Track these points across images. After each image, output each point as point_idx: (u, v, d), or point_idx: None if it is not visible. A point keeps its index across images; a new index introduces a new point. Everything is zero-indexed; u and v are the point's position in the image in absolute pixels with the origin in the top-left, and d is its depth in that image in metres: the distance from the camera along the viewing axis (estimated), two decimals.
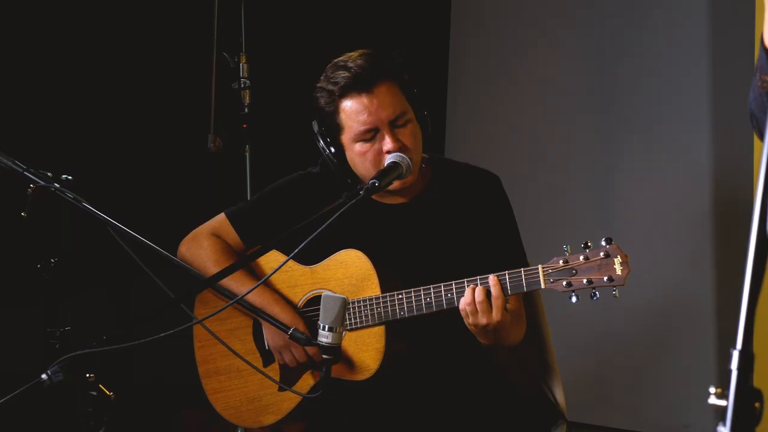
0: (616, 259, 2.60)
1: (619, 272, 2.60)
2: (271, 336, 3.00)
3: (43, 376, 2.36)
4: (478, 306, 2.70)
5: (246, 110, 4.45)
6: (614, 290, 2.61)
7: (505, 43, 5.29)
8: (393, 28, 5.31)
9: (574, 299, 2.63)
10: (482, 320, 2.71)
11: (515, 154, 5.19)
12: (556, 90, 5.13)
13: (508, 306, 2.75)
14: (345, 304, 2.58)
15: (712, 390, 1.40)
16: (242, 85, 4.43)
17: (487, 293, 2.70)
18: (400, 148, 2.86)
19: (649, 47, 4.80)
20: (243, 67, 4.43)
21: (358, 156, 2.90)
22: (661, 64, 4.76)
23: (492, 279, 2.70)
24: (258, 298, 2.96)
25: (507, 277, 2.69)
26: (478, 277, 2.73)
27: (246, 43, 4.46)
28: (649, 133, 4.82)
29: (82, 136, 4.73)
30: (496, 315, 2.70)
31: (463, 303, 2.72)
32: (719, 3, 4.58)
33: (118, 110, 4.90)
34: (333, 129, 2.93)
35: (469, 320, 2.73)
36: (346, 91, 2.87)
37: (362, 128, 2.87)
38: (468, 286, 2.73)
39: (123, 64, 4.89)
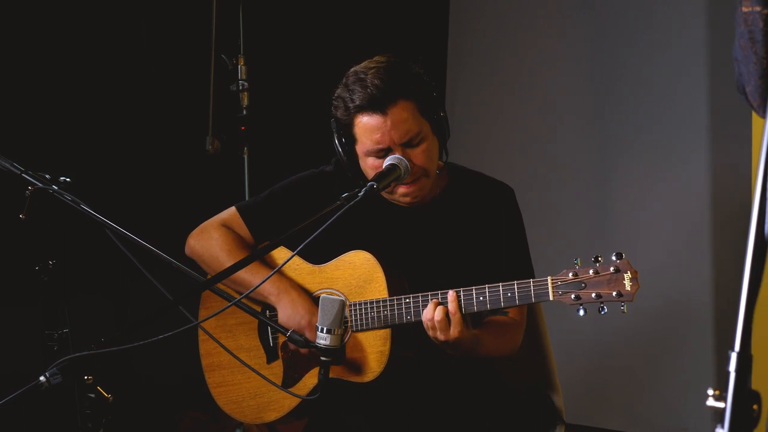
0: (626, 275, 2.61)
1: (628, 288, 2.60)
2: (286, 319, 2.99)
3: (42, 378, 2.36)
4: (436, 324, 2.73)
5: (244, 112, 4.45)
6: (623, 305, 2.61)
7: (503, 45, 5.29)
8: (391, 30, 5.30)
9: (581, 312, 2.64)
10: (441, 336, 2.75)
11: (513, 157, 5.19)
12: (554, 92, 5.13)
13: (507, 314, 2.77)
14: (343, 306, 2.59)
15: (710, 392, 1.41)
16: (240, 87, 4.43)
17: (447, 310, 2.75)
18: (413, 168, 2.89)
19: (648, 50, 4.80)
20: (241, 69, 4.43)
21: (370, 168, 2.93)
22: (660, 66, 4.76)
23: (450, 295, 2.74)
24: (275, 284, 2.97)
25: (516, 287, 2.70)
26: (439, 291, 2.78)
27: (244, 45, 4.46)
28: (648, 136, 4.82)
29: (80, 138, 4.73)
30: (453, 331, 2.73)
31: (424, 318, 2.77)
32: (718, 6, 4.58)
33: (116, 112, 4.89)
34: (348, 137, 2.95)
35: (429, 333, 2.77)
36: (361, 109, 2.88)
37: (375, 147, 2.89)
38: (431, 300, 2.77)
39: (121, 65, 4.89)
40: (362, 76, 2.91)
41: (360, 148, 2.94)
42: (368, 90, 2.87)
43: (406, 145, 2.89)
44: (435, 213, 3.05)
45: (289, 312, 2.96)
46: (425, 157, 2.92)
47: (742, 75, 2.04)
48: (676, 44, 4.71)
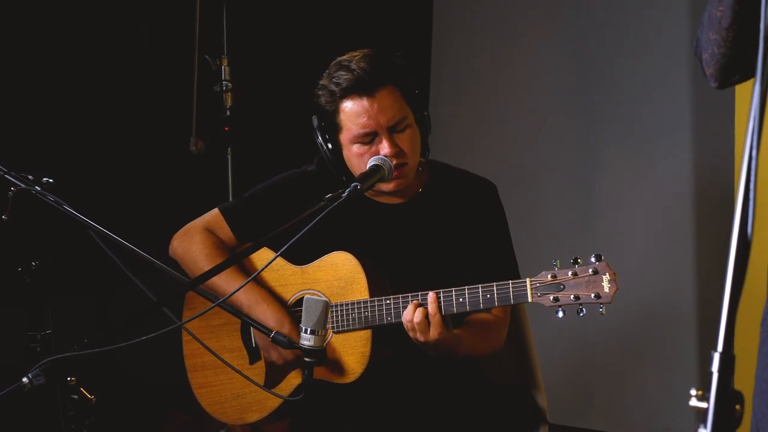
0: (604, 277, 2.61)
1: (606, 290, 2.60)
2: (258, 333, 2.99)
3: (24, 379, 2.35)
4: (416, 325, 2.73)
5: (228, 113, 4.44)
6: (601, 308, 2.61)
7: (487, 45, 5.29)
8: (375, 28, 5.30)
9: (560, 314, 2.64)
10: (420, 338, 2.76)
11: (496, 155, 5.19)
12: (538, 92, 5.13)
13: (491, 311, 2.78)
14: (327, 307, 2.58)
15: (693, 392, 1.41)
16: (224, 88, 4.43)
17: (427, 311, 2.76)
18: (397, 153, 2.88)
19: (631, 48, 4.81)
20: (225, 70, 4.43)
21: (355, 157, 2.92)
22: (642, 65, 4.77)
23: (430, 296, 2.74)
24: (246, 295, 2.96)
25: (495, 288, 2.70)
26: (419, 293, 2.78)
27: (228, 45, 4.45)
28: (631, 134, 4.82)
29: (63, 139, 4.71)
30: (433, 333, 2.74)
31: (404, 319, 2.77)
32: (700, 3, 4.58)
33: (99, 113, 4.88)
34: (332, 127, 2.94)
35: (410, 335, 2.78)
36: (347, 92, 2.88)
37: (361, 131, 2.88)
38: (411, 301, 2.77)
39: (104, 66, 4.87)
40: (346, 63, 2.92)
41: (345, 136, 2.93)
42: (355, 73, 2.87)
43: (392, 130, 2.89)
44: (417, 210, 3.05)
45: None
46: (410, 144, 2.92)
47: (701, 41, 2.07)
48: (659, 42, 4.72)
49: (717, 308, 1.40)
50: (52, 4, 4.69)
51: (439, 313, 2.73)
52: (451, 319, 2.86)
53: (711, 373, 1.39)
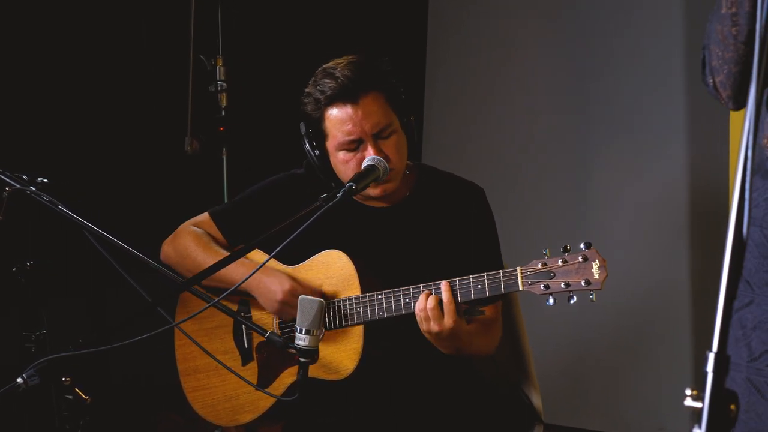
0: (594, 263, 2.61)
1: (596, 276, 2.61)
2: (265, 302, 2.99)
3: (19, 379, 2.34)
4: (429, 312, 2.73)
5: (223, 113, 4.43)
6: (591, 294, 2.62)
7: (483, 45, 5.30)
8: (370, 31, 5.30)
9: (551, 301, 2.64)
10: (434, 327, 2.74)
11: (492, 154, 5.19)
12: (534, 92, 5.13)
13: (484, 313, 2.77)
14: (322, 307, 2.58)
15: (688, 392, 1.41)
16: (219, 88, 4.42)
17: (440, 300, 2.73)
18: (383, 159, 2.88)
19: (626, 48, 4.82)
20: (220, 70, 4.42)
21: (341, 164, 2.93)
22: (637, 64, 4.78)
23: (443, 285, 2.74)
24: (246, 275, 2.94)
25: (485, 278, 2.70)
26: (432, 282, 2.76)
27: (223, 45, 4.45)
28: (626, 135, 4.83)
29: (59, 139, 4.71)
30: (447, 321, 2.73)
31: (417, 309, 2.75)
32: (696, 5, 4.59)
33: (94, 113, 4.87)
34: (318, 134, 2.95)
35: (423, 327, 2.76)
36: (332, 100, 2.89)
37: (346, 138, 2.89)
38: (423, 291, 2.76)
39: (99, 66, 4.87)
40: (331, 70, 2.92)
41: (331, 143, 2.94)
42: (339, 81, 2.88)
43: (377, 137, 2.90)
44: (406, 213, 3.05)
45: (265, 294, 2.96)
46: (396, 150, 2.93)
47: (711, 65, 2.03)
48: (655, 42, 4.72)
49: (711, 307, 1.40)
50: (50, 4, 4.69)
51: (454, 301, 2.73)
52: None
53: (706, 373, 1.39)
